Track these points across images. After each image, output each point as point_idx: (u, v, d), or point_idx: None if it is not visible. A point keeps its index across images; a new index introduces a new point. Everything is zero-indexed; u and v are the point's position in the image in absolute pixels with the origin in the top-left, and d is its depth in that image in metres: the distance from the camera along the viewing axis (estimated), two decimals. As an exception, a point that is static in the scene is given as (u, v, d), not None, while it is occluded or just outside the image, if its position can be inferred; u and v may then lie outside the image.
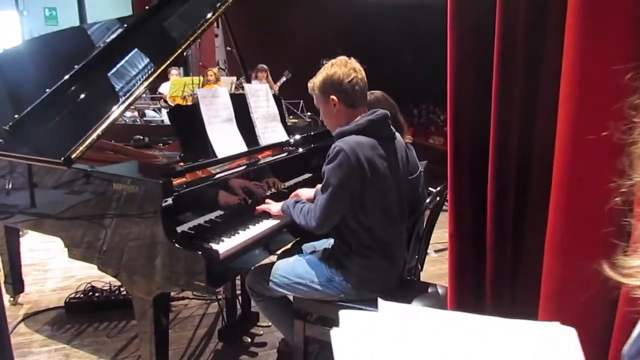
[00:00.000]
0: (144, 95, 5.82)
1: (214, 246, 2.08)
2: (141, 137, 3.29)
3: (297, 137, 3.16)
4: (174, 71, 7.83)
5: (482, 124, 1.37)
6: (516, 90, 1.29)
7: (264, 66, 7.43)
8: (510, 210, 1.36)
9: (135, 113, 5.38)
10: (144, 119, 5.35)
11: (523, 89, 1.29)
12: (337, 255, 2.21)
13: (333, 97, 2.14)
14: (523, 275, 1.39)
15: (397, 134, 2.28)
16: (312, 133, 3.37)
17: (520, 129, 1.31)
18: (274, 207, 2.39)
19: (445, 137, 8.26)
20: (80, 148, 2.18)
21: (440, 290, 2.32)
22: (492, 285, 1.43)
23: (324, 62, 2.24)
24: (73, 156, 2.14)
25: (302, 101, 6.54)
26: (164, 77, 7.92)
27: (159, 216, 1.99)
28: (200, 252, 1.93)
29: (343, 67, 2.15)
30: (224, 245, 2.12)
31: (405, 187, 2.27)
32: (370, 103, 2.44)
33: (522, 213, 1.35)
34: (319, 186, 2.57)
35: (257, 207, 2.43)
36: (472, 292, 1.52)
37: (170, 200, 2.00)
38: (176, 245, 1.97)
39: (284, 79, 7.46)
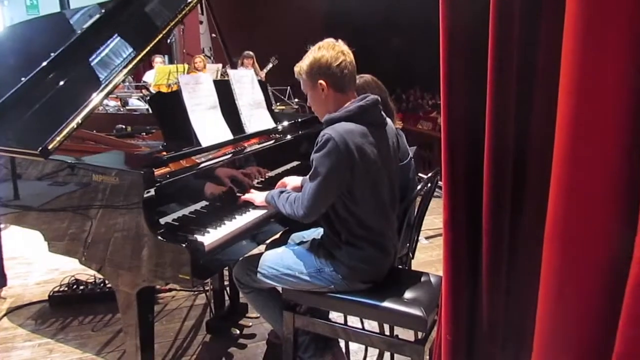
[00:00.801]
0: (127, 83, 5.71)
1: (199, 238, 2.01)
2: (123, 127, 3.20)
3: (285, 124, 3.09)
4: (158, 59, 7.69)
5: (476, 110, 1.31)
6: (512, 75, 1.24)
7: (250, 53, 7.32)
8: (507, 198, 1.31)
9: (118, 102, 5.26)
10: (127, 107, 5.23)
11: (519, 73, 1.23)
12: (326, 246, 2.15)
13: (321, 81, 2.07)
14: (521, 266, 1.35)
15: (387, 119, 2.22)
16: (299, 120, 3.30)
17: (516, 115, 1.26)
18: (257, 197, 2.33)
19: (433, 122, 8.24)
20: (58, 138, 2.11)
21: (432, 279, 2.28)
22: (488, 275, 1.38)
23: (310, 47, 2.16)
24: (50, 147, 2.07)
25: (289, 87, 6.45)
26: (148, 65, 7.80)
27: (140, 208, 1.92)
28: (184, 245, 1.87)
29: (331, 50, 2.08)
30: (210, 237, 2.05)
31: (396, 174, 2.21)
32: (359, 87, 2.38)
33: (520, 201, 1.30)
34: (304, 177, 2.52)
35: (241, 197, 2.37)
36: (468, 282, 1.48)
37: (152, 192, 1.93)
38: (159, 237, 1.91)
39: (270, 65, 7.35)
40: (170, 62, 8.73)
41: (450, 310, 1.51)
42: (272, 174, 2.76)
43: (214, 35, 7.61)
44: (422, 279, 2.30)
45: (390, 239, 2.19)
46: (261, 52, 7.56)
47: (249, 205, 2.36)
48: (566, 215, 1.05)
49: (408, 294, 2.13)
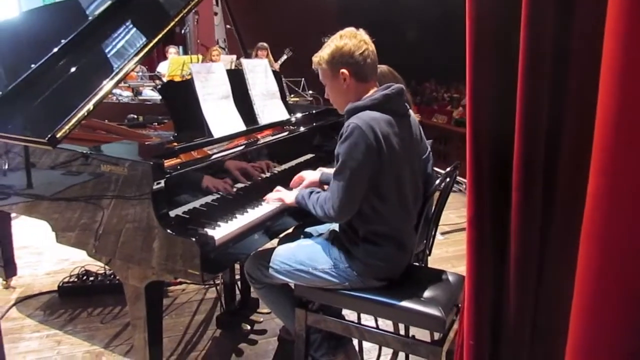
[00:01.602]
0: (140, 73, 5.66)
1: (210, 232, 1.95)
2: (135, 117, 3.15)
3: (298, 115, 3.02)
4: (172, 50, 7.66)
5: (505, 101, 1.22)
6: (546, 63, 1.14)
7: (265, 44, 7.25)
8: (538, 193, 1.22)
9: (131, 92, 5.21)
10: (139, 97, 5.18)
11: (554, 61, 1.14)
12: (342, 241, 2.08)
13: (343, 70, 1.99)
14: (553, 265, 1.26)
15: (410, 110, 2.14)
16: (314, 111, 3.23)
17: (550, 107, 1.16)
18: (287, 196, 2.23)
19: (448, 115, 8.12)
20: (66, 127, 2.05)
21: (451, 278, 2.20)
22: (516, 276, 1.30)
23: (325, 39, 2.09)
24: (58, 135, 2.01)
25: (303, 79, 6.37)
26: (162, 56, 7.76)
27: (149, 200, 1.85)
28: (194, 239, 1.80)
29: (353, 38, 2.00)
30: (220, 231, 1.99)
31: (420, 168, 2.13)
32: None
33: (552, 197, 1.21)
34: (321, 168, 2.44)
35: (269, 196, 2.28)
36: (493, 283, 1.39)
37: (162, 183, 1.86)
38: (169, 231, 1.84)
39: (285, 57, 7.27)
40: (185, 53, 8.69)
41: (473, 313, 1.43)
42: (285, 166, 2.69)
43: (228, 26, 7.56)
44: (440, 277, 2.22)
45: (410, 236, 2.12)
46: (275, 43, 7.48)
47: (261, 198, 2.29)
48: (607, 212, 0.96)
49: (425, 293, 2.05)
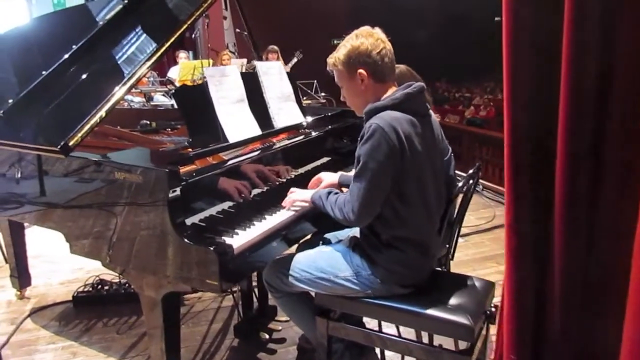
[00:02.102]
0: (151, 79, 5.62)
1: (228, 240, 1.89)
2: (148, 122, 3.10)
3: (313, 118, 2.95)
4: (182, 55, 7.66)
5: (546, 103, 1.15)
6: (590, 66, 1.07)
7: (275, 47, 7.19)
8: (584, 196, 1.14)
9: (142, 98, 5.17)
10: (151, 103, 5.14)
11: (600, 58, 1.06)
12: (364, 247, 2.00)
13: (361, 70, 1.92)
14: (602, 272, 1.17)
15: (430, 110, 2.07)
16: (329, 114, 3.16)
17: (596, 107, 1.08)
18: (301, 195, 2.18)
19: (460, 115, 8.03)
20: (79, 134, 2.01)
21: (477, 283, 2.11)
22: (562, 284, 1.22)
23: (335, 42, 2.02)
24: (71, 143, 1.97)
25: (315, 81, 6.31)
26: (172, 61, 7.74)
27: (165, 208, 1.79)
28: (212, 247, 1.74)
29: (369, 37, 1.93)
30: (239, 239, 1.92)
31: (442, 169, 2.05)
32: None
33: (600, 201, 1.13)
34: (340, 173, 2.37)
35: (285, 202, 2.22)
36: (536, 293, 1.31)
37: (178, 191, 1.80)
38: (185, 240, 1.78)
39: (295, 59, 7.21)
40: (195, 57, 8.66)
41: (514, 325, 1.35)
42: (302, 170, 2.63)
43: (238, 30, 7.52)
44: (467, 282, 2.14)
45: (433, 240, 2.04)
46: (285, 46, 7.43)
47: (279, 204, 2.22)
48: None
49: (452, 300, 1.98)
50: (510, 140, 1.24)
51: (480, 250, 3.97)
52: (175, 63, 7.30)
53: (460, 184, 2.31)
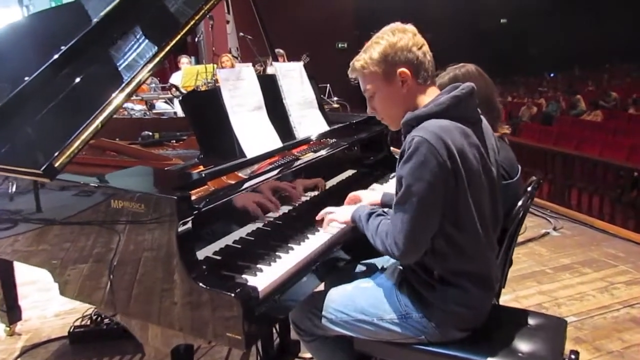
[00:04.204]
0: (152, 85, 5.29)
1: (250, 280, 1.54)
2: (150, 134, 2.76)
3: (337, 126, 2.61)
4: (184, 60, 7.36)
5: None
6: None
7: (281, 51, 6.87)
8: None
9: (144, 105, 4.82)
10: (154, 111, 4.79)
11: None
12: (413, 284, 1.65)
13: (403, 69, 1.56)
14: None
15: (481, 116, 1.71)
16: (353, 121, 2.82)
17: None
18: (341, 214, 1.83)
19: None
20: (68, 152, 1.65)
21: (547, 322, 1.77)
22: None
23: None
24: (57, 164, 1.61)
25: (329, 85, 5.98)
26: (175, 67, 7.43)
27: (174, 244, 1.44)
28: (233, 294, 1.39)
29: (406, 32, 1.59)
30: (264, 278, 1.56)
31: (498, 187, 1.69)
32: (457, 78, 1.92)
33: None
34: (383, 191, 2.03)
35: (320, 218, 1.90)
36: None
37: (189, 224, 1.45)
38: (199, 284, 1.43)
39: (302, 63, 6.89)
40: (197, 63, 8.37)
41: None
42: (327, 185, 2.29)
43: (241, 34, 7.26)
44: (533, 320, 1.80)
45: (494, 271, 1.69)
46: (291, 50, 7.16)
47: (306, 230, 1.88)
48: None
49: (521, 344, 1.65)
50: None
51: (517, 267, 3.61)
52: (178, 69, 6.99)
53: (520, 203, 1.97)
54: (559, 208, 5.11)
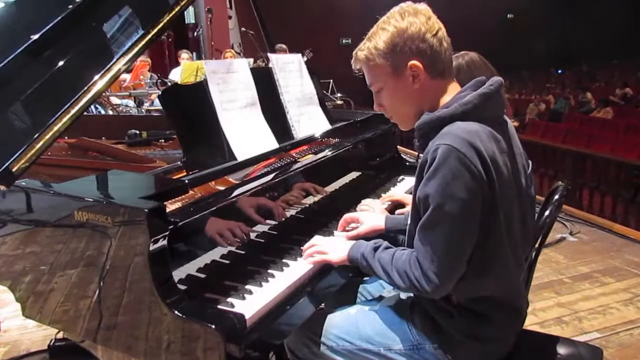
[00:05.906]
0: (148, 80, 5.08)
1: (238, 304, 1.31)
2: (137, 132, 2.53)
3: (339, 124, 2.39)
4: (184, 55, 7.20)
5: None
6: None
7: (283, 45, 6.69)
8: None
9: (131, 101, 4.60)
10: (147, 107, 4.58)
11: None
12: (427, 309, 1.42)
13: (414, 62, 1.32)
14: None
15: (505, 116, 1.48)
16: (357, 119, 2.59)
17: None
18: (332, 250, 1.54)
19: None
20: (29, 155, 1.43)
21: (580, 350, 1.54)
22: None
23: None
24: (15, 169, 1.39)
25: (332, 80, 5.75)
26: (175, 62, 7.26)
27: (145, 264, 1.22)
28: (213, 324, 1.16)
29: (419, 15, 1.33)
30: (253, 302, 1.34)
31: (528, 196, 1.46)
32: (461, 70, 1.67)
33: None
34: (386, 214, 1.78)
35: (306, 254, 1.58)
36: None
37: (163, 241, 1.23)
38: (175, 312, 1.20)
39: (305, 59, 6.69)
40: (199, 58, 8.20)
41: None
42: (327, 189, 2.06)
43: (243, 29, 7.08)
44: (564, 348, 1.57)
45: (523, 294, 1.47)
46: (293, 45, 6.97)
47: (303, 241, 1.65)
48: None
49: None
50: None
51: (533, 275, 3.37)
52: (178, 64, 6.80)
53: (547, 212, 1.74)
54: (574, 211, 4.84)
